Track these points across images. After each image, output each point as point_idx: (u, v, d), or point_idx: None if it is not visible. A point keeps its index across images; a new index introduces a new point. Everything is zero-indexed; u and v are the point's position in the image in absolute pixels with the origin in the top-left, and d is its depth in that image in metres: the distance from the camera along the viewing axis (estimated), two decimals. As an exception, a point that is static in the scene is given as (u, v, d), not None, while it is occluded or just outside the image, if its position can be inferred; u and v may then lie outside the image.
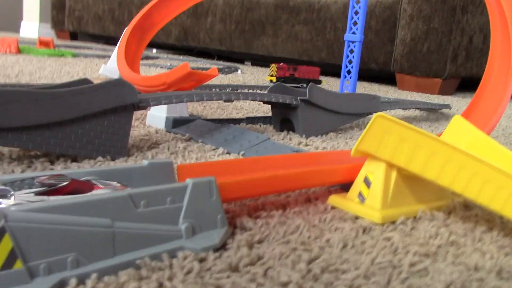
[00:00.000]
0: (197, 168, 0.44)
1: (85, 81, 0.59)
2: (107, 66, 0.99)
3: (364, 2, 1.03)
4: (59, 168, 0.52)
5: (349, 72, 1.07)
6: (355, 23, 1.04)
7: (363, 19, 1.03)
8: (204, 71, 0.75)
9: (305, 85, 1.51)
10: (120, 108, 0.56)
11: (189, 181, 0.37)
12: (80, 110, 0.52)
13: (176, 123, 0.75)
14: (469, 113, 0.73)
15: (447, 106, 1.22)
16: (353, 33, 1.05)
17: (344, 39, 1.06)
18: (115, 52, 0.97)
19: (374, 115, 0.45)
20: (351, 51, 1.06)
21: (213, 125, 0.74)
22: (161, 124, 0.76)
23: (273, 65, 1.52)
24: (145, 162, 0.41)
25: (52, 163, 0.54)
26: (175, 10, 1.06)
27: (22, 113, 0.49)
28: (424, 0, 1.81)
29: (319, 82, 1.56)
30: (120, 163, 0.56)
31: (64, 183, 0.33)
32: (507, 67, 0.73)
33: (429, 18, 1.81)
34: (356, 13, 1.04)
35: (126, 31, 0.97)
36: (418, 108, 1.11)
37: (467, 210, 0.52)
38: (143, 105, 0.58)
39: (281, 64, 1.50)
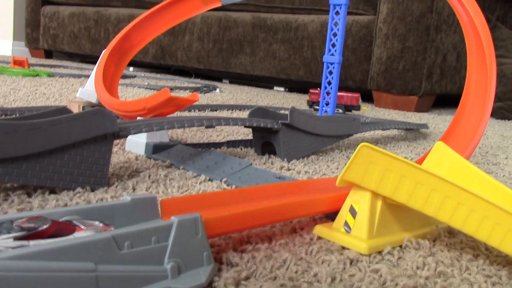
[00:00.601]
0: (181, 202, 0.43)
1: (63, 109, 0.58)
2: (85, 89, 0.97)
3: (343, 24, 1.04)
4: (36, 202, 0.50)
5: (328, 93, 1.07)
6: (333, 45, 1.04)
7: (342, 41, 1.04)
8: (184, 96, 0.74)
9: (340, 110, 1.48)
10: (99, 137, 0.54)
11: (174, 219, 0.36)
12: (58, 141, 0.51)
13: (156, 149, 0.74)
14: (449, 136, 0.73)
15: (425, 126, 1.23)
16: (332, 54, 1.05)
17: (323, 60, 1.07)
18: (93, 74, 0.95)
19: (359, 145, 0.45)
20: (330, 72, 1.07)
21: (194, 151, 0.73)
22: (141, 150, 0.75)
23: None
24: (127, 198, 0.39)
25: (29, 195, 0.53)
26: (153, 32, 1.06)
27: (-2, 146, 0.47)
28: (399, 20, 1.84)
29: (358, 108, 1.50)
30: (100, 194, 0.55)
31: (45, 226, 0.32)
32: (484, 90, 0.74)
33: (404, 37, 1.84)
34: (335, 35, 1.05)
35: (104, 54, 0.96)
36: (397, 128, 1.12)
37: (452, 237, 0.52)
38: (123, 134, 0.57)
39: (316, 89, 1.45)
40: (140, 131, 0.59)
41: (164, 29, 1.06)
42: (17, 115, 1.01)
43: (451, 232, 0.53)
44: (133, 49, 1.04)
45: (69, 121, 0.52)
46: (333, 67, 1.05)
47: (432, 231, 0.52)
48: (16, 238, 0.31)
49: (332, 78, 1.06)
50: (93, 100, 0.96)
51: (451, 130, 0.74)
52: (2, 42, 3.46)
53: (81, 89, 0.97)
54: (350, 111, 1.50)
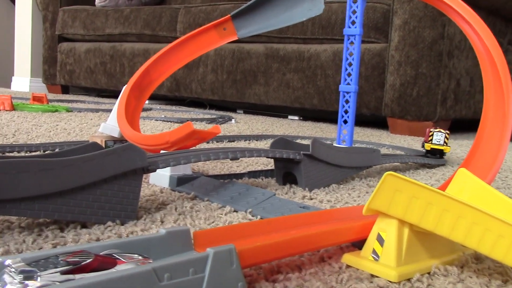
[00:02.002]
0: (212, 234, 0.44)
1: (95, 145, 0.59)
2: (107, 124, 0.99)
3: (357, 54, 1.06)
4: (70, 236, 0.51)
5: (345, 121, 1.09)
6: (349, 74, 1.06)
7: (357, 71, 1.06)
8: (206, 130, 0.76)
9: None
10: (130, 172, 0.56)
11: (210, 251, 0.37)
12: (91, 176, 0.53)
13: (180, 182, 0.75)
14: (469, 162, 0.74)
15: (443, 161, 1.22)
16: (348, 84, 1.07)
17: (339, 90, 1.09)
18: (114, 110, 0.97)
19: (385, 174, 0.46)
20: (347, 101, 1.08)
21: (218, 182, 0.74)
22: (165, 183, 0.76)
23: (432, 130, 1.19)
24: (162, 231, 0.41)
25: (62, 230, 0.54)
26: (171, 66, 1.08)
27: (34, 183, 0.49)
28: (411, 47, 1.86)
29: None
30: (130, 227, 0.56)
31: (89, 260, 0.33)
32: (502, 115, 0.75)
33: (417, 63, 1.86)
34: (350, 64, 1.07)
35: (125, 90, 0.99)
36: (415, 162, 1.12)
37: (479, 263, 0.52)
38: (152, 168, 0.59)
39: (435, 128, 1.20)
40: (168, 165, 0.60)
41: (182, 64, 1.09)
42: (42, 151, 1.04)
43: (478, 258, 0.53)
44: (153, 84, 1.06)
45: (101, 157, 0.53)
46: (349, 96, 1.07)
47: (459, 257, 0.52)
48: (63, 273, 0.32)
49: (349, 107, 1.08)
50: (116, 134, 0.98)
51: (471, 156, 0.74)
52: (21, 79, 3.54)
53: (103, 124, 0.99)
54: (436, 154, 1.20)
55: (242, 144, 1.38)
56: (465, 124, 2.43)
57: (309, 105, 2.18)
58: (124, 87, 1.01)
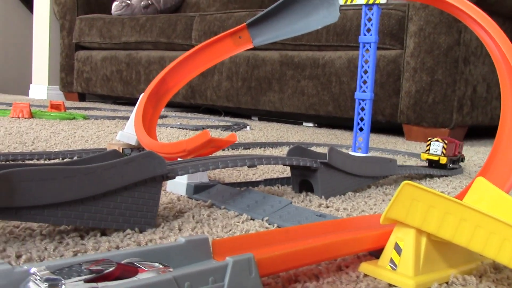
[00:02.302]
0: (231, 242, 0.44)
1: (115, 153, 0.60)
2: (124, 132, 1.00)
3: (373, 61, 1.06)
4: (90, 244, 0.52)
5: (361, 129, 1.09)
6: (364, 82, 1.07)
7: (373, 78, 1.06)
8: (223, 138, 0.77)
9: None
10: (149, 179, 0.57)
11: (229, 260, 0.38)
12: (112, 184, 0.54)
13: (197, 189, 0.76)
14: (487, 170, 0.74)
15: (460, 172, 1.21)
16: (363, 91, 1.08)
17: (355, 97, 1.09)
18: (132, 118, 0.99)
19: (402, 183, 0.46)
20: (362, 109, 1.09)
21: (234, 190, 0.75)
22: (182, 191, 0.77)
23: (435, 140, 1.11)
24: (182, 240, 0.41)
25: (82, 237, 0.55)
26: (188, 74, 1.10)
27: (57, 190, 0.50)
28: (427, 53, 1.85)
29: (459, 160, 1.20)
30: (149, 235, 0.57)
31: (111, 269, 0.34)
32: (520, 123, 0.74)
33: (433, 70, 1.85)
34: (365, 72, 1.07)
35: (143, 98, 1.00)
36: (432, 174, 1.11)
37: (498, 272, 0.52)
38: (171, 175, 0.59)
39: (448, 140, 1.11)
40: (187, 172, 0.61)
41: (198, 72, 1.10)
42: (61, 158, 1.06)
43: (496, 268, 0.53)
44: (170, 92, 1.07)
45: (122, 165, 0.54)
46: (365, 104, 1.07)
47: (478, 267, 0.52)
48: (86, 281, 0.33)
49: (365, 114, 1.08)
50: (133, 142, 0.99)
51: (489, 164, 0.74)
52: (39, 87, 3.59)
53: (121, 132, 1.01)
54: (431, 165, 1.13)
55: (257, 151, 1.39)
56: (482, 130, 2.41)
57: (324, 112, 2.18)
58: (141, 95, 1.02)
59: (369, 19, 1.07)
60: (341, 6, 1.01)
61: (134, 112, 0.99)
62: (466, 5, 0.81)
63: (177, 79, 1.09)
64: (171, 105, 2.92)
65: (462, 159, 1.20)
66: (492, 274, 0.51)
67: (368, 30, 1.07)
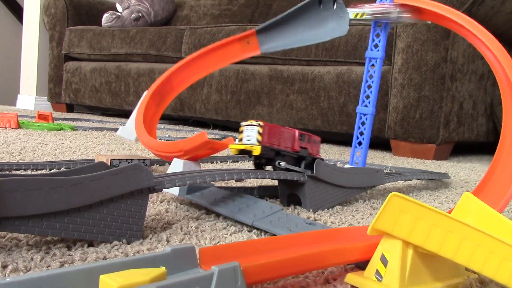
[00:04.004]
0: (218, 251, 0.44)
1: (101, 165, 0.60)
2: (125, 128, 1.00)
3: (378, 77, 1.07)
4: (77, 255, 0.52)
5: (360, 143, 1.10)
6: (367, 97, 1.08)
7: (376, 93, 1.07)
8: (219, 140, 0.77)
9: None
10: (136, 191, 0.57)
11: (214, 269, 0.37)
12: (98, 195, 0.53)
13: (190, 190, 0.76)
14: (482, 188, 0.74)
15: (446, 176, 1.24)
16: (365, 105, 1.09)
17: (357, 111, 1.11)
18: (134, 114, 0.99)
19: (390, 194, 0.47)
20: (363, 123, 1.10)
21: (227, 193, 0.75)
22: (176, 191, 0.77)
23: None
24: (168, 249, 0.41)
25: (69, 248, 0.55)
26: (193, 76, 1.10)
27: (43, 201, 0.49)
28: (414, 69, 1.88)
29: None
30: (136, 246, 0.56)
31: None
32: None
33: (420, 86, 1.87)
34: (369, 87, 1.09)
35: (146, 95, 1.00)
36: (419, 179, 1.13)
37: (483, 287, 0.52)
38: (158, 188, 0.59)
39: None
40: (174, 185, 0.61)
41: (203, 74, 1.11)
42: (48, 169, 1.05)
43: (482, 282, 0.53)
44: (173, 92, 1.08)
45: (109, 176, 0.54)
46: (366, 118, 1.09)
47: (464, 281, 0.52)
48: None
49: (365, 129, 1.09)
50: (133, 138, 0.99)
51: (485, 182, 0.75)
52: (26, 97, 3.57)
53: (121, 127, 1.00)
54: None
55: (246, 164, 1.39)
56: (468, 147, 2.43)
57: (312, 126, 2.19)
58: (145, 92, 1.02)
59: (378, 35, 1.08)
60: (350, 20, 1.02)
61: (137, 108, 0.99)
62: (474, 26, 0.82)
63: (182, 79, 1.10)
64: (160, 117, 2.91)
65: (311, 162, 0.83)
66: None
67: (376, 46, 1.09)
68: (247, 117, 2.39)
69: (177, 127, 2.69)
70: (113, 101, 2.94)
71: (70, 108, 3.37)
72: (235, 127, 2.69)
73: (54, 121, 2.25)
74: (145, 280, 0.34)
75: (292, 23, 1.00)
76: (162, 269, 0.37)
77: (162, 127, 2.54)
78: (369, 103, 1.07)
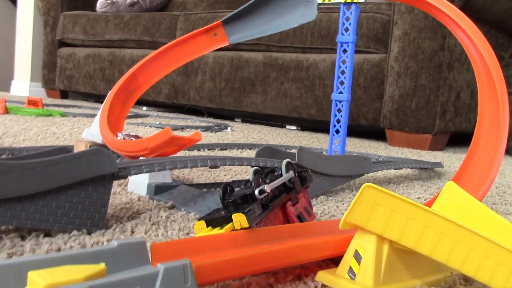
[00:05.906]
0: (173, 246, 0.41)
1: (64, 149, 0.56)
2: (90, 130, 0.96)
3: (351, 62, 1.03)
4: (28, 246, 0.48)
5: (337, 131, 1.05)
6: (342, 83, 1.03)
7: (350, 79, 1.03)
8: (186, 136, 0.73)
9: None
10: (98, 178, 0.53)
11: (160, 267, 0.34)
12: (54, 181, 0.50)
13: (158, 190, 0.72)
14: (461, 176, 0.71)
15: (439, 165, 1.20)
16: (340, 92, 1.04)
17: (332, 98, 1.06)
18: (98, 115, 0.94)
19: (363, 185, 0.43)
20: (339, 110, 1.05)
21: (197, 192, 0.71)
22: (143, 191, 0.73)
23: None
24: (114, 243, 0.37)
25: (23, 238, 0.51)
26: (160, 71, 1.05)
27: (-10, 187, 0.46)
28: (411, 58, 1.83)
29: None
30: (96, 237, 0.53)
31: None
32: (496, 129, 0.72)
33: (416, 75, 1.83)
34: (343, 72, 1.04)
35: (110, 94, 0.96)
36: (410, 167, 1.09)
37: (468, 284, 0.48)
38: (122, 174, 0.55)
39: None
40: (141, 172, 0.57)
41: (171, 69, 1.06)
42: (16, 154, 1.01)
43: (467, 280, 0.49)
44: (140, 89, 1.03)
45: (67, 161, 0.50)
46: (342, 105, 1.04)
47: (446, 278, 0.48)
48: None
49: (341, 116, 1.05)
50: (99, 140, 0.95)
51: (463, 169, 0.71)
52: (20, 83, 3.53)
53: (86, 130, 0.96)
54: None
55: (234, 152, 1.35)
56: (465, 137, 2.39)
57: (306, 115, 2.15)
58: (110, 91, 0.98)
59: (347, 18, 1.03)
60: (319, 4, 0.98)
61: (101, 109, 0.95)
62: (448, 7, 0.78)
63: (148, 76, 1.05)
64: (154, 104, 2.87)
65: None
66: (462, 286, 0.48)
67: (346, 30, 1.04)
68: (241, 105, 2.35)
69: (171, 114, 2.65)
70: (107, 88, 2.89)
71: (64, 94, 3.33)
72: (229, 115, 2.65)
73: (44, 107, 2.21)
74: (78, 278, 0.31)
75: (259, 11, 0.96)
76: (102, 265, 0.33)
77: (155, 114, 2.50)
78: (344, 89, 1.03)
